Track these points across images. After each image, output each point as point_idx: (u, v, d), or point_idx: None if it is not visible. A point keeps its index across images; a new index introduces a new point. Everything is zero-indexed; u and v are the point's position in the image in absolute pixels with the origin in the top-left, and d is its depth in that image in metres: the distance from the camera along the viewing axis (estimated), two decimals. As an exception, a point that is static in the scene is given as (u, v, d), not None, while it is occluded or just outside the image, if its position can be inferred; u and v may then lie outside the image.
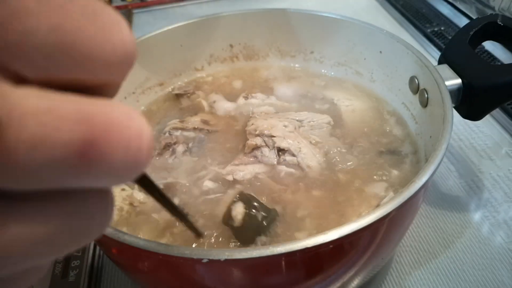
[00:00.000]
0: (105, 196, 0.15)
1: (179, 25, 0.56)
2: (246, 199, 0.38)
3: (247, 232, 0.36)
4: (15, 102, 0.11)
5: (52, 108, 0.11)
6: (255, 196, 0.39)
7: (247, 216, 0.37)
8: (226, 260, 0.26)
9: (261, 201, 0.38)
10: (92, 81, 0.13)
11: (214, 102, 0.54)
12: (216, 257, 0.26)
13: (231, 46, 0.60)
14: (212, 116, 0.52)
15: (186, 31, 0.56)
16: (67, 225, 0.13)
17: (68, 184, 0.12)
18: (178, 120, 0.51)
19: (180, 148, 0.46)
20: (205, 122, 0.50)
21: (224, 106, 0.53)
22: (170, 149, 0.46)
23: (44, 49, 0.12)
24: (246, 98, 0.54)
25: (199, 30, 0.57)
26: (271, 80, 0.59)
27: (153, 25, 0.86)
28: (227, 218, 0.37)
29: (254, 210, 0.37)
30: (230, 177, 0.42)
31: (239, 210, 0.37)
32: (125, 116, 0.13)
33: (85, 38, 0.12)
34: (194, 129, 0.49)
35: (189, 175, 0.44)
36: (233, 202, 0.38)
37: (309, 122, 0.47)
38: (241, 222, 0.36)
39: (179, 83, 0.59)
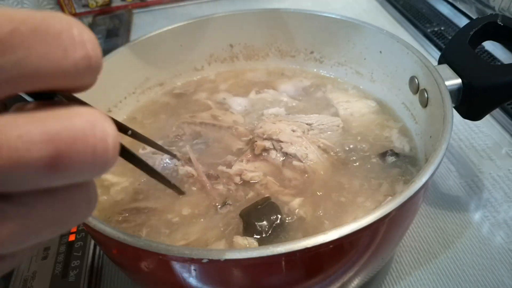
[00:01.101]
0: (87, 188, 0.17)
1: (179, 25, 0.56)
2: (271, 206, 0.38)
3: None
4: None
5: (22, 134, 0.14)
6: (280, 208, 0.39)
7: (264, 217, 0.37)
8: (226, 260, 0.26)
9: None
10: (65, 87, 0.16)
11: (224, 99, 0.54)
12: (216, 257, 0.26)
13: (231, 46, 0.60)
14: (222, 112, 0.51)
15: (186, 31, 0.56)
16: (57, 215, 0.16)
17: (47, 185, 0.15)
18: (189, 115, 0.51)
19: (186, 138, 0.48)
20: (214, 117, 0.50)
21: (237, 101, 0.53)
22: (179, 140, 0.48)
23: (9, 80, 0.15)
24: (258, 93, 0.54)
25: (199, 30, 0.57)
26: (271, 80, 0.58)
27: (153, 25, 0.86)
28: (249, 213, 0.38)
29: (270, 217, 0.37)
30: (237, 179, 0.42)
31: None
32: (89, 124, 0.15)
33: (45, 64, 0.15)
34: (201, 123, 0.48)
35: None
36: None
37: (319, 125, 0.47)
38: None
39: (178, 83, 0.59)
